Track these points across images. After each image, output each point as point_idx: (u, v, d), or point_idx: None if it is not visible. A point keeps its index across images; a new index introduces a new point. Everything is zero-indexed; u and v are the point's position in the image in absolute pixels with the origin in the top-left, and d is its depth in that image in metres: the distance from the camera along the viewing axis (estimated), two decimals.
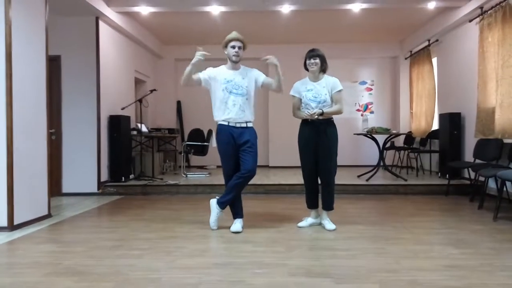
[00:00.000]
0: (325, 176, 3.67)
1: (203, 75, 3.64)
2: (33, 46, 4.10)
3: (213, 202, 3.71)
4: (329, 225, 3.67)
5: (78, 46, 5.77)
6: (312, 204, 3.80)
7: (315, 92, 3.64)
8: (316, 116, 3.54)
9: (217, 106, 3.64)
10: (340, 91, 3.63)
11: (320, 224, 3.79)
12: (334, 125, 3.70)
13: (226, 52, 3.64)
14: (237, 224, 3.63)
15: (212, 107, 3.69)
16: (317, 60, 3.62)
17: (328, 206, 3.74)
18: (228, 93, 3.58)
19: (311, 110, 3.60)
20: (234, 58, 3.60)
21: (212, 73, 3.65)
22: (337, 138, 3.69)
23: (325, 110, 3.57)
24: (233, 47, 3.58)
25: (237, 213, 3.73)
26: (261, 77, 3.75)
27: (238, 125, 3.60)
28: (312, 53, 3.65)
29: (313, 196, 3.78)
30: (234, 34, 3.62)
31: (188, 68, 3.56)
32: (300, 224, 3.79)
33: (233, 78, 3.61)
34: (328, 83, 3.65)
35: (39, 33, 4.20)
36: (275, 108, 8.78)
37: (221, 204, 3.67)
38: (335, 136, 3.68)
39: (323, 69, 3.68)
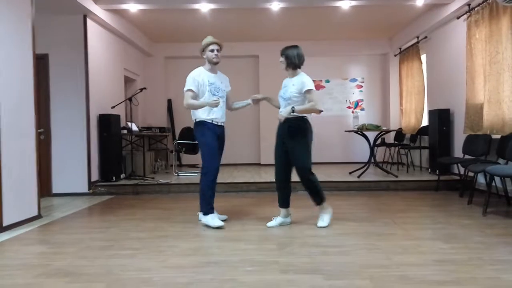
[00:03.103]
0: (298, 175, 3.65)
1: (193, 93, 3.75)
2: (19, 45, 4.04)
3: (209, 218, 3.70)
4: (319, 222, 3.68)
5: (66, 44, 5.71)
6: (281, 203, 3.76)
7: (285, 89, 3.65)
8: (282, 119, 3.54)
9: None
10: (309, 90, 3.51)
11: (289, 224, 3.76)
12: (302, 123, 3.58)
13: (205, 56, 3.83)
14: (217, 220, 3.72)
15: None
16: (282, 58, 3.63)
17: (314, 202, 3.71)
18: (211, 95, 3.74)
19: (281, 108, 3.63)
20: (215, 60, 3.79)
21: (199, 81, 3.75)
22: (305, 136, 3.58)
23: (296, 108, 3.50)
24: (212, 50, 3.78)
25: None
26: (229, 88, 4.02)
27: (220, 124, 3.83)
28: (281, 51, 3.65)
29: (281, 194, 3.74)
30: (210, 38, 3.81)
31: (198, 104, 3.69)
32: (269, 223, 3.73)
33: (214, 81, 3.81)
34: (300, 82, 3.56)
35: (25, 32, 4.14)
36: (267, 106, 8.72)
37: (211, 209, 3.74)
38: (301, 135, 3.57)
39: (292, 65, 3.61)
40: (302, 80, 3.57)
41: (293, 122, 3.57)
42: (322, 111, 3.57)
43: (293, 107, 3.51)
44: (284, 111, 3.52)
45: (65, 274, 2.55)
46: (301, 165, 3.60)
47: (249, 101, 3.90)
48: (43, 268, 2.68)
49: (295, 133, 3.57)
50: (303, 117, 3.60)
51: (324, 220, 3.69)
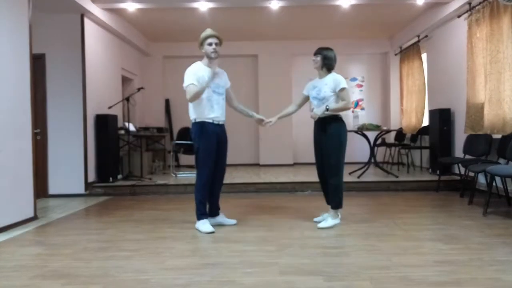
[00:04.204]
0: (327, 173, 3.69)
1: (196, 82, 3.52)
2: (16, 44, 4.00)
3: (200, 223, 3.61)
4: (322, 223, 3.65)
5: (63, 44, 5.67)
6: (326, 199, 3.84)
7: (318, 89, 3.67)
8: (315, 117, 3.59)
9: (203, 104, 3.55)
10: (343, 89, 3.57)
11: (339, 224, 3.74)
12: (338, 123, 3.66)
13: (203, 50, 3.63)
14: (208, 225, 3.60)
15: (193, 105, 3.60)
16: (318, 58, 3.66)
17: (332, 203, 3.70)
18: (212, 92, 3.58)
19: (314, 108, 3.68)
20: (213, 55, 3.59)
21: (199, 75, 3.53)
22: (340, 136, 3.63)
23: (330, 106, 3.56)
24: (210, 44, 3.58)
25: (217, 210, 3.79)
26: (228, 84, 3.82)
27: (221, 122, 3.67)
28: (316, 51, 3.69)
29: (324, 190, 3.83)
30: (209, 31, 3.62)
31: (201, 88, 3.48)
32: (318, 221, 3.79)
33: (214, 77, 3.62)
34: (332, 80, 3.62)
35: (22, 31, 4.10)
36: (266, 106, 8.72)
37: (202, 215, 3.63)
38: (336, 134, 3.62)
39: (327, 67, 3.66)
40: (336, 78, 3.63)
41: (328, 121, 3.62)
42: (350, 108, 3.62)
43: (327, 105, 3.56)
44: (317, 110, 3.60)
45: (61, 276, 2.51)
46: (331, 163, 3.63)
47: (260, 117, 3.92)
48: (39, 269, 2.65)
49: (329, 131, 3.62)
50: (337, 115, 3.66)
51: (327, 222, 3.65)
